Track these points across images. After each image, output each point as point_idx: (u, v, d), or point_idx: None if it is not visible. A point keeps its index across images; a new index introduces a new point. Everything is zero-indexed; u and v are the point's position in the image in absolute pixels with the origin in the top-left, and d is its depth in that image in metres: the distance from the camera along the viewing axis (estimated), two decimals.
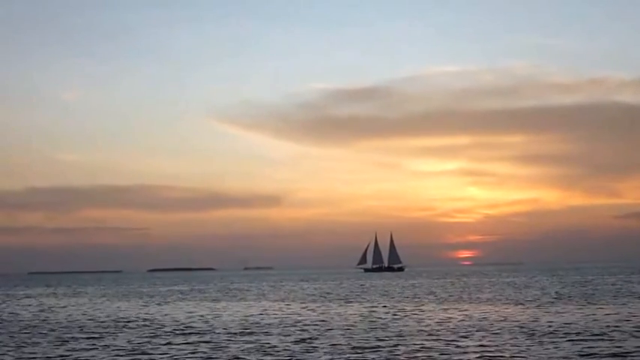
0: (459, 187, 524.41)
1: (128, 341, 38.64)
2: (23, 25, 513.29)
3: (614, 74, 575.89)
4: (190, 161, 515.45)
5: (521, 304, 62.17)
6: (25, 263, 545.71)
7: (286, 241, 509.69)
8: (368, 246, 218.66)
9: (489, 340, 35.23)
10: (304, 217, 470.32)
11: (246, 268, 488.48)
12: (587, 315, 48.59)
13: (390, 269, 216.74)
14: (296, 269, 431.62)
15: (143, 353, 33.64)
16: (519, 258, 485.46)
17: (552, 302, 63.05)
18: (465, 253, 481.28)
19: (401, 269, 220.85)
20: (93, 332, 44.57)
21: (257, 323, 47.91)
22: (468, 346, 33.18)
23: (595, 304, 59.65)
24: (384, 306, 62.73)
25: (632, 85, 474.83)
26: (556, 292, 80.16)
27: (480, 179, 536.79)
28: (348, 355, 31.43)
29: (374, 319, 48.78)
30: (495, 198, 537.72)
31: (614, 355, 30.11)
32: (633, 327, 40.00)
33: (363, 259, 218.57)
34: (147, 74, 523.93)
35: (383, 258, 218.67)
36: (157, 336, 41.31)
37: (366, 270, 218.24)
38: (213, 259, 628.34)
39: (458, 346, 33.31)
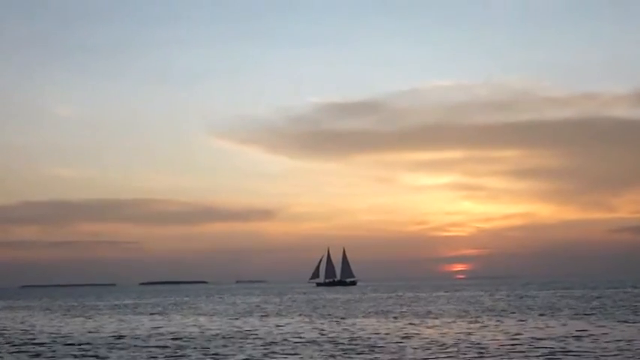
0: (453, 201, 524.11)
1: None
2: (18, 41, 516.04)
3: (608, 89, 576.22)
4: (184, 175, 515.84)
5: (407, 318, 61.89)
6: (19, 277, 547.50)
7: (280, 255, 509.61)
8: (321, 260, 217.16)
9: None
10: (298, 232, 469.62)
11: (238, 282, 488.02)
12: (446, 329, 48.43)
13: (342, 283, 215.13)
14: (288, 283, 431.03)
15: None
16: (513, 272, 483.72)
17: (447, 317, 62.68)
18: (458, 267, 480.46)
19: (353, 283, 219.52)
20: None
21: (119, 337, 47.90)
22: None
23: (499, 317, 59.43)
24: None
25: (626, 99, 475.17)
26: (475, 309, 79.59)
27: (474, 193, 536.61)
28: None
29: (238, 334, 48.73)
30: (489, 212, 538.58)
31: None
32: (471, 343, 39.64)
33: (316, 274, 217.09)
34: (141, 89, 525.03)
35: (336, 272, 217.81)
36: None
37: (318, 284, 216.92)
38: (205, 272, 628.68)
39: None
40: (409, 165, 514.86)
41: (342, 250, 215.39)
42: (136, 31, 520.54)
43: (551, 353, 33.56)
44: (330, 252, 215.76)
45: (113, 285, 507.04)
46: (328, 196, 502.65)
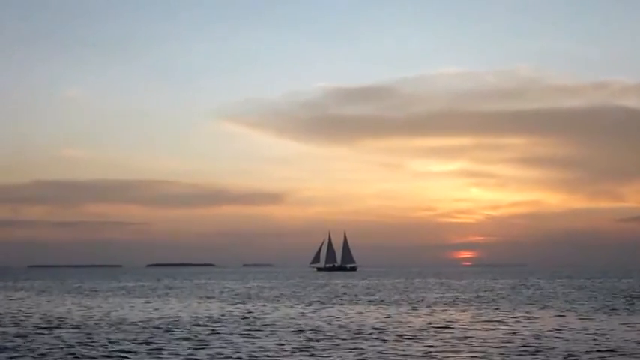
0: (461, 188, 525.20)
1: None
2: (30, 23, 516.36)
3: (617, 78, 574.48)
4: (193, 158, 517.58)
5: (377, 305, 62.17)
6: (27, 257, 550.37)
7: (286, 239, 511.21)
8: (322, 245, 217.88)
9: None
10: (306, 216, 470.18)
11: (245, 265, 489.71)
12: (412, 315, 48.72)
13: (342, 268, 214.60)
14: (295, 267, 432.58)
15: None
16: (520, 260, 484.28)
17: (414, 305, 62.95)
18: (465, 254, 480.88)
19: (354, 269, 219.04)
20: None
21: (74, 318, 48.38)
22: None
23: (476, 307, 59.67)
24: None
25: (636, 89, 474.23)
26: (470, 297, 79.78)
27: (482, 180, 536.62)
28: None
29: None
30: (497, 199, 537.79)
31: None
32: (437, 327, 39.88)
33: (317, 258, 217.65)
34: (150, 72, 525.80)
35: (336, 257, 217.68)
36: None
37: (319, 269, 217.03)
38: (212, 255, 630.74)
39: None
40: (416, 151, 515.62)
41: (343, 235, 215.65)
42: (142, 19, 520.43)
43: (524, 345, 33.67)
44: (332, 237, 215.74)
45: (119, 266, 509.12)
46: (335, 181, 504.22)
